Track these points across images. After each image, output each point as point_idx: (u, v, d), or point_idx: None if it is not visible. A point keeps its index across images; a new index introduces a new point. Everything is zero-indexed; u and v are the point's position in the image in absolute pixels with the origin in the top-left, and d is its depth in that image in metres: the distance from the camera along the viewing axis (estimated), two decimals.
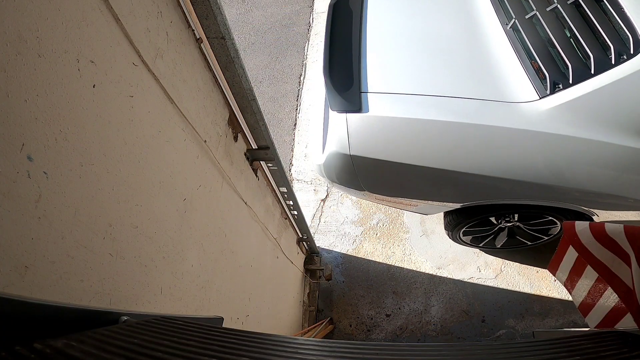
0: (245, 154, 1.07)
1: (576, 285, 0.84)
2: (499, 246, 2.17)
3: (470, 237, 2.10)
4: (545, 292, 2.23)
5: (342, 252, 2.42)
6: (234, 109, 0.94)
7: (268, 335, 0.49)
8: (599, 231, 0.74)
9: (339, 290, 2.31)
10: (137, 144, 0.59)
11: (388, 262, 2.37)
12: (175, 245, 0.73)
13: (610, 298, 0.77)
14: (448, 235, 2.10)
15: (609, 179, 1.56)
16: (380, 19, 1.76)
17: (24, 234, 0.41)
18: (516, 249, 2.31)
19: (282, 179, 1.29)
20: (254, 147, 1.10)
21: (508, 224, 2.02)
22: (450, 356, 0.41)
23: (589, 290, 0.81)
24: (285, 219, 1.61)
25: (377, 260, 2.38)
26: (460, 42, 1.65)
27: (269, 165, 1.21)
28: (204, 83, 0.80)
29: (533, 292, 2.25)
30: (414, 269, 2.35)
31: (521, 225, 2.02)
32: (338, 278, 2.34)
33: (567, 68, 1.42)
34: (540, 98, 1.43)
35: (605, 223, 0.73)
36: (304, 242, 2.02)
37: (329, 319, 2.22)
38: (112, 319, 0.46)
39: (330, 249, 2.42)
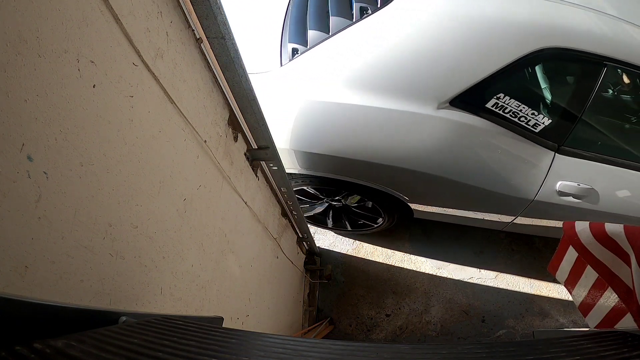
0: (245, 154, 1.07)
1: (576, 285, 0.84)
2: (330, 226, 2.26)
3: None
4: (545, 292, 2.23)
5: (342, 252, 2.41)
6: (234, 109, 0.94)
7: (268, 335, 0.49)
8: (599, 231, 0.74)
9: (339, 290, 2.31)
10: (137, 144, 0.59)
11: (388, 262, 2.37)
12: (175, 245, 0.73)
13: (610, 298, 0.77)
14: None
15: (392, 147, 1.56)
16: None
17: (24, 234, 0.41)
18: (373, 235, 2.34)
19: (282, 179, 1.29)
20: (254, 147, 1.10)
21: (334, 203, 2.08)
22: (450, 356, 0.41)
23: (589, 290, 0.81)
24: (285, 218, 1.61)
25: (377, 260, 2.38)
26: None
27: (269, 165, 1.21)
28: (204, 83, 0.80)
29: (533, 292, 2.25)
30: (414, 269, 2.35)
31: (347, 206, 2.08)
32: (338, 278, 2.34)
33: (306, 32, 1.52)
34: (281, 66, 1.51)
35: (606, 223, 0.73)
36: (304, 242, 2.02)
37: (329, 319, 2.22)
38: (112, 319, 0.46)
39: (330, 249, 2.42)
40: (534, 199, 1.69)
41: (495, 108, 1.46)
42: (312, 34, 1.51)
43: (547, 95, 1.52)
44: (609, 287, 0.76)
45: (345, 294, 2.30)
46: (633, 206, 1.70)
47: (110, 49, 0.52)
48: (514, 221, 1.93)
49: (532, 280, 2.27)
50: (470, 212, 1.92)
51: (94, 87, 0.49)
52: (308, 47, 1.49)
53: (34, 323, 0.36)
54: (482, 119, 1.47)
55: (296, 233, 1.87)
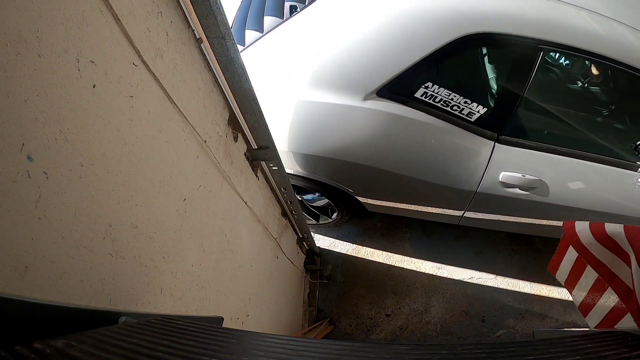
0: (245, 154, 1.07)
1: (576, 285, 0.84)
2: None
3: None
4: (545, 292, 2.23)
5: (342, 252, 2.41)
6: (234, 109, 0.94)
7: (268, 335, 0.49)
8: (599, 231, 0.74)
9: (339, 290, 2.31)
10: (137, 144, 0.59)
11: (388, 262, 2.37)
12: (175, 245, 0.73)
13: (610, 298, 0.77)
14: None
15: (326, 139, 1.57)
16: None
17: (24, 234, 0.41)
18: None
19: (282, 179, 1.29)
20: (254, 147, 1.10)
21: None
22: (450, 356, 0.41)
23: (589, 290, 0.81)
24: (285, 218, 1.61)
25: (377, 260, 2.38)
26: None
27: (269, 165, 1.21)
28: (204, 83, 0.80)
29: (533, 292, 2.25)
30: (414, 269, 2.35)
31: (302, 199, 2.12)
32: (338, 278, 2.34)
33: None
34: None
35: (605, 223, 0.73)
36: (304, 242, 2.02)
37: (329, 319, 2.22)
38: (112, 319, 0.46)
39: (330, 249, 2.42)
40: (476, 190, 1.65)
41: (425, 97, 1.44)
42: (248, 33, 1.58)
43: (480, 83, 1.49)
44: (609, 287, 0.76)
45: (345, 294, 2.30)
46: (587, 198, 1.63)
47: (110, 49, 0.52)
48: (468, 215, 1.89)
49: (532, 280, 2.27)
50: (420, 205, 1.90)
51: (94, 87, 0.49)
52: (245, 46, 1.56)
53: (34, 323, 0.36)
54: (411, 109, 1.46)
55: (296, 233, 1.87)
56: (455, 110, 1.46)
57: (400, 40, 1.36)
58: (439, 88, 1.42)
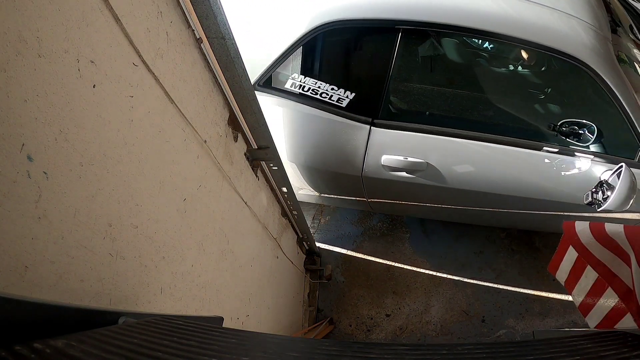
0: (245, 154, 1.07)
1: (576, 285, 0.84)
2: None
3: None
4: (545, 292, 2.23)
5: (342, 252, 2.41)
6: (234, 109, 0.94)
7: (268, 335, 0.49)
8: (599, 231, 0.74)
9: (339, 290, 2.31)
10: (137, 144, 0.59)
11: (388, 262, 2.37)
12: (175, 245, 0.73)
13: (610, 298, 0.77)
14: None
15: None
16: None
17: (24, 234, 0.41)
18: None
19: (282, 179, 1.29)
20: (254, 147, 1.10)
21: None
22: (450, 356, 0.41)
23: (589, 290, 0.81)
24: (285, 218, 1.61)
25: (377, 260, 2.38)
26: None
27: (269, 165, 1.21)
28: (204, 83, 0.80)
29: (533, 292, 2.25)
30: (414, 269, 2.35)
31: None
32: (338, 278, 2.34)
33: None
34: None
35: (605, 223, 0.73)
36: (304, 242, 2.02)
37: (329, 319, 2.22)
38: (112, 319, 0.46)
39: (330, 249, 2.42)
40: (361, 175, 1.67)
41: (294, 87, 1.50)
42: None
43: (343, 69, 1.54)
44: (609, 287, 0.76)
45: (345, 294, 2.30)
46: (478, 180, 1.62)
47: (110, 49, 0.52)
48: (373, 201, 1.91)
49: (532, 280, 2.27)
50: (330, 194, 1.94)
51: (94, 87, 0.49)
52: None
53: (34, 323, 0.36)
54: (286, 100, 1.52)
55: (296, 233, 1.87)
56: (325, 97, 1.51)
57: (271, 35, 1.49)
58: (305, 78, 1.48)
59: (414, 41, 1.48)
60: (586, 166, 1.55)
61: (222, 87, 0.87)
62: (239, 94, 0.90)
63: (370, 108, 1.52)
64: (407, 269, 2.35)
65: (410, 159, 1.57)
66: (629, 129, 1.48)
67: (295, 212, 1.59)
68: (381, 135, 1.55)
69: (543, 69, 1.65)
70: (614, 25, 1.76)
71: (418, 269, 2.35)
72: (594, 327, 0.80)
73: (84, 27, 0.47)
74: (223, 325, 0.66)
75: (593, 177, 1.53)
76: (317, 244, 2.29)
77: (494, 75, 1.65)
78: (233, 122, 0.96)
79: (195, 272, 0.82)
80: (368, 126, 1.54)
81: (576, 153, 1.55)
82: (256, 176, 1.17)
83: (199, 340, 0.43)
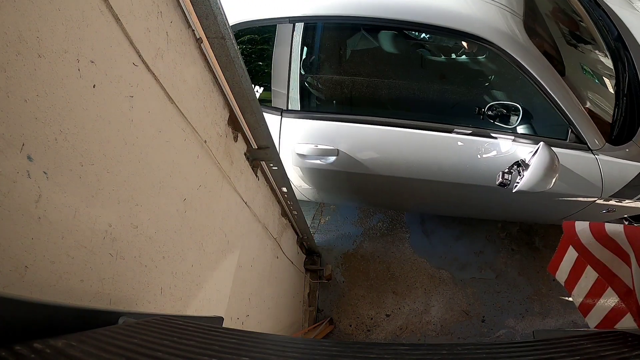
0: (245, 154, 1.07)
1: (576, 285, 0.84)
2: None
3: None
4: (545, 292, 2.23)
5: (342, 252, 2.42)
6: (234, 109, 0.94)
7: (268, 335, 0.49)
8: (599, 231, 0.74)
9: (339, 290, 2.31)
10: (137, 144, 0.59)
11: (388, 262, 2.37)
12: (175, 245, 0.73)
13: (610, 298, 0.77)
14: None
15: None
16: None
17: (24, 234, 0.41)
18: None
19: (282, 179, 1.29)
20: (254, 147, 1.10)
21: None
22: (450, 356, 0.41)
23: (589, 291, 0.81)
24: (285, 218, 1.61)
25: (377, 260, 2.38)
26: None
27: (269, 165, 1.21)
28: (204, 83, 0.80)
29: (533, 292, 2.25)
30: (414, 269, 2.35)
31: None
32: (338, 278, 2.34)
33: None
34: None
35: (605, 223, 0.73)
36: (304, 242, 2.02)
37: (329, 319, 2.22)
38: (112, 319, 0.46)
39: (330, 249, 2.42)
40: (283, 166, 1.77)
41: None
42: None
43: (252, 67, 1.64)
44: (609, 287, 0.76)
45: (345, 294, 2.30)
46: (390, 164, 1.65)
47: (110, 49, 0.52)
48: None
49: (532, 280, 2.27)
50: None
51: (94, 87, 0.49)
52: None
53: (34, 323, 0.36)
54: None
55: (296, 233, 1.87)
56: None
57: None
58: None
59: (312, 34, 1.57)
60: (507, 148, 1.55)
61: (222, 87, 0.87)
62: (239, 94, 0.90)
63: (278, 100, 1.61)
64: (407, 269, 2.35)
65: (321, 146, 1.63)
66: (554, 110, 1.49)
67: (295, 212, 1.59)
68: (292, 124, 1.62)
69: (463, 55, 1.69)
70: (585, 41, 1.80)
71: (418, 269, 2.35)
72: (594, 327, 0.80)
73: (84, 27, 0.47)
74: (223, 325, 0.66)
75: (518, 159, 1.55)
76: (317, 244, 2.29)
77: (407, 63, 1.70)
78: (233, 122, 0.96)
79: (195, 272, 0.82)
80: (279, 117, 1.62)
81: (496, 135, 1.56)
82: (256, 176, 1.17)
83: (199, 340, 0.43)
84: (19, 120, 0.39)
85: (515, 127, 1.54)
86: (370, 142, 1.61)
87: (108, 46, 0.52)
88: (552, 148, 1.43)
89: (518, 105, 1.50)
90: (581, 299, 0.83)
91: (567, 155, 1.54)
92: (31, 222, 0.41)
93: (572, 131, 1.53)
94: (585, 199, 1.70)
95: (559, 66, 1.53)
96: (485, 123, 1.55)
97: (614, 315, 0.76)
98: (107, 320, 0.45)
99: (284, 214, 1.56)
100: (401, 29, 1.54)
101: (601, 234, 0.74)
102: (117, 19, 0.52)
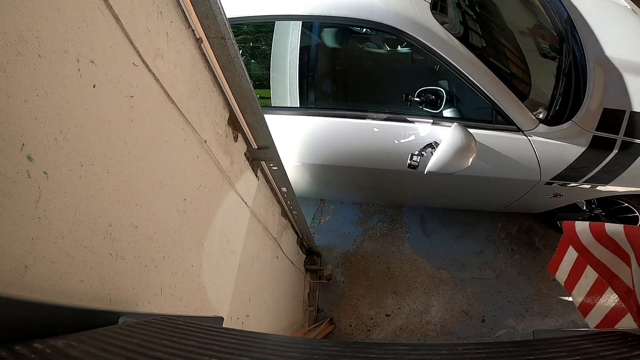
0: (245, 154, 1.07)
1: (576, 285, 0.84)
2: None
3: None
4: (545, 292, 2.23)
5: (342, 252, 2.41)
6: (234, 109, 0.94)
7: (268, 335, 0.49)
8: (599, 231, 0.74)
9: (339, 290, 2.31)
10: (137, 144, 0.59)
11: (388, 262, 2.37)
12: (175, 245, 0.73)
13: (610, 298, 0.77)
14: None
15: None
16: None
17: (24, 234, 0.41)
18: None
19: (282, 178, 1.29)
20: (254, 147, 1.10)
21: None
22: (450, 356, 0.41)
23: (589, 291, 0.81)
24: (285, 218, 1.61)
25: (377, 260, 2.38)
26: None
27: (269, 165, 1.21)
28: (204, 83, 0.80)
29: (533, 292, 2.25)
30: (414, 269, 2.35)
31: None
32: (338, 278, 2.34)
33: None
34: None
35: (605, 223, 0.73)
36: (304, 242, 2.02)
37: (329, 319, 2.22)
38: (112, 319, 0.46)
39: (330, 249, 2.42)
40: None
41: None
42: None
43: None
44: (609, 287, 0.76)
45: (345, 294, 2.30)
46: (310, 153, 1.68)
47: (110, 49, 0.52)
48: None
49: (532, 280, 2.27)
50: None
51: (94, 87, 0.49)
52: None
53: (34, 323, 0.36)
54: None
55: (296, 233, 1.87)
56: None
57: None
58: None
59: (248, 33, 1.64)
60: (427, 132, 1.55)
61: (222, 87, 0.87)
62: (239, 94, 0.90)
63: None
64: (407, 269, 2.35)
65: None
66: (475, 92, 1.48)
67: (295, 212, 1.59)
68: None
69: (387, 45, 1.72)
70: (526, 22, 1.82)
71: (418, 269, 2.35)
72: (594, 327, 0.80)
73: (84, 27, 0.47)
74: (223, 325, 0.66)
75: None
76: (317, 244, 2.29)
77: (345, 57, 1.72)
78: (233, 122, 0.96)
79: (195, 272, 0.82)
80: None
81: (412, 119, 1.56)
82: (256, 176, 1.17)
83: (199, 340, 0.43)
84: (19, 120, 0.39)
85: (441, 111, 1.53)
86: (293, 132, 1.64)
87: (108, 46, 0.52)
88: (468, 129, 1.42)
89: (441, 90, 1.50)
90: (581, 299, 0.83)
91: (495, 137, 1.52)
92: (31, 222, 0.41)
93: (497, 112, 1.51)
94: (524, 182, 1.67)
95: (481, 49, 1.52)
96: (412, 109, 1.55)
97: (614, 315, 0.76)
98: (107, 320, 0.45)
99: (284, 214, 1.56)
100: (311, 23, 1.59)
101: (601, 234, 0.74)
102: (117, 19, 0.52)
